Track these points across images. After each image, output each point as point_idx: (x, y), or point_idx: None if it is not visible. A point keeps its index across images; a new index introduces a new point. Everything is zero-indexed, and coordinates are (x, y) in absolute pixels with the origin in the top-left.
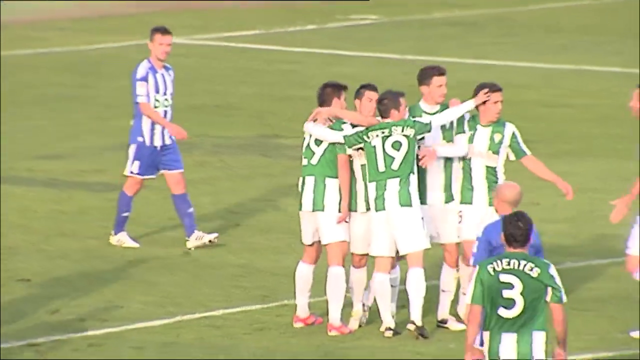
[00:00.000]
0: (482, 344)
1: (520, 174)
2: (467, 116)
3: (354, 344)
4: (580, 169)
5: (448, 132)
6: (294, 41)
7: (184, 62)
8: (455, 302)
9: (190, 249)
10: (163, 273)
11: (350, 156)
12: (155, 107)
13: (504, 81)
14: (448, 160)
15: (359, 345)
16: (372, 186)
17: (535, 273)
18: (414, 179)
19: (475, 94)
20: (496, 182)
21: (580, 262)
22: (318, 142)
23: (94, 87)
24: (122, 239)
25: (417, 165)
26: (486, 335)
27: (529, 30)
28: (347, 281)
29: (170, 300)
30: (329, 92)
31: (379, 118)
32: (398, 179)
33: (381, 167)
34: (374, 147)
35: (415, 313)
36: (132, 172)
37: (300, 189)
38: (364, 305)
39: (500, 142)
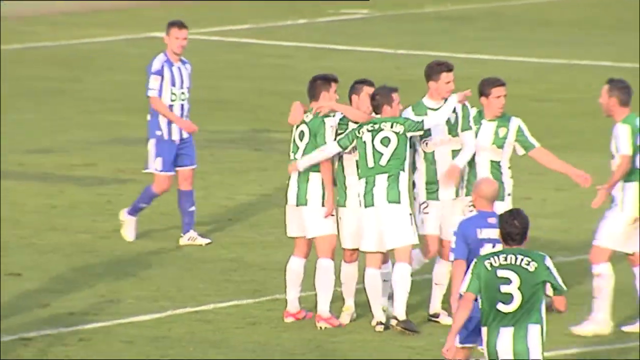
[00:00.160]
0: (482, 344)
1: (514, 168)
2: (473, 111)
3: (345, 338)
4: (571, 163)
5: (453, 127)
6: (285, 36)
7: None
8: (447, 295)
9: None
10: (154, 267)
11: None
12: (172, 100)
13: (495, 75)
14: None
15: (350, 339)
16: (361, 182)
17: (532, 267)
18: (404, 176)
19: (479, 89)
20: (501, 177)
21: (572, 257)
22: (302, 136)
23: (85, 81)
24: (126, 224)
25: (417, 165)
26: (484, 331)
27: (520, 24)
28: (338, 276)
29: (162, 294)
30: (318, 84)
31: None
32: (386, 175)
33: (370, 163)
34: (364, 142)
35: (399, 308)
36: (156, 170)
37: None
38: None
39: (505, 137)
